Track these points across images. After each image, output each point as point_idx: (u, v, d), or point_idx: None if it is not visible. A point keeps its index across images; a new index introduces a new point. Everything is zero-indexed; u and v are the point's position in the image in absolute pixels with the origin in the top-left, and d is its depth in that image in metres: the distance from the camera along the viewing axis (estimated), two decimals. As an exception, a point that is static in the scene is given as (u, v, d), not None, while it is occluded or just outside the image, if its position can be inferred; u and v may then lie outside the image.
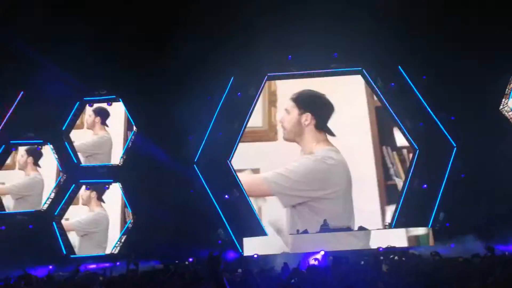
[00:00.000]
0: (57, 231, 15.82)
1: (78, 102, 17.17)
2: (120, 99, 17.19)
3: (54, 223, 15.89)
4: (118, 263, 14.51)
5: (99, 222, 16.24)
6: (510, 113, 15.95)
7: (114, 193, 16.50)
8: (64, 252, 15.66)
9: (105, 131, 17.20)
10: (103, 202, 16.50)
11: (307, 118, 16.54)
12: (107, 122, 17.31)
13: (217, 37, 16.18)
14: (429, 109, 16.10)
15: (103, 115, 17.29)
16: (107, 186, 16.46)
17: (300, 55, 16.86)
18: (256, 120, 16.95)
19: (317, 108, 16.79)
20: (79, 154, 16.78)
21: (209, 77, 16.51)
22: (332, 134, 16.51)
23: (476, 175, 14.67)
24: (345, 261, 7.00)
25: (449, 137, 15.76)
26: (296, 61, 17.11)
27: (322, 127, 16.55)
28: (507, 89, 16.23)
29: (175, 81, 16.06)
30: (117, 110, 17.31)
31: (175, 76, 16.11)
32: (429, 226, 14.71)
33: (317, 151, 16.19)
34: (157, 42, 15.94)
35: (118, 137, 17.13)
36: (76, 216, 16.39)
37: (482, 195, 14.30)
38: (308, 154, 16.22)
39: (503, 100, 16.12)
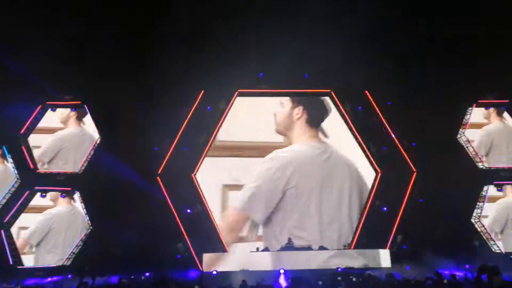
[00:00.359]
0: (4, 239, 14.97)
1: (40, 106, 16.54)
2: (84, 106, 16.71)
3: (2, 230, 15.04)
4: (69, 276, 13.91)
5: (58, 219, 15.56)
6: (466, 142, 16.75)
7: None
8: (11, 262, 14.80)
9: (80, 127, 16.67)
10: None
11: (299, 111, 16.91)
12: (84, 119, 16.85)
13: (189, 51, 16.16)
14: (392, 135, 16.62)
15: (80, 111, 16.87)
16: (64, 194, 15.81)
17: (271, 73, 17.07)
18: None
19: (311, 105, 17.22)
20: (44, 158, 16.11)
21: (179, 89, 16.39)
22: (325, 134, 16.79)
23: (434, 200, 15.16)
24: (305, 281, 7.00)
25: (409, 162, 16.28)
26: (267, 79, 17.31)
27: (314, 124, 16.88)
28: (464, 120, 17.10)
29: (144, 91, 15.84)
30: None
31: (145, 87, 15.89)
32: (387, 248, 14.99)
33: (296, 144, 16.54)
34: (128, 52, 15.75)
35: (80, 144, 16.59)
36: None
37: (438, 220, 14.77)
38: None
39: (460, 129, 16.95)
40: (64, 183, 15.88)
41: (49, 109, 16.78)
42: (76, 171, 16.01)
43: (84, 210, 15.65)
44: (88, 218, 15.58)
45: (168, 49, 15.47)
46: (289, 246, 14.74)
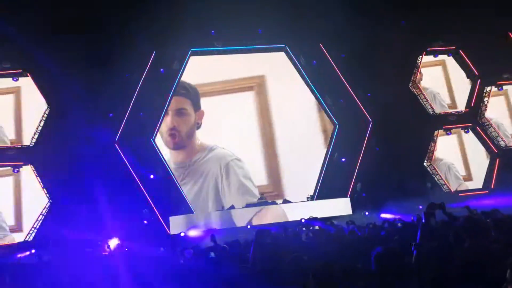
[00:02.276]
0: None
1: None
2: (28, 74, 15.63)
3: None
4: (33, 250, 13.59)
5: None
6: (417, 90, 17.38)
7: (27, 176, 15.21)
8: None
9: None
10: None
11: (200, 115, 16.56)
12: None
13: (138, 11, 15.30)
14: (348, 86, 16.91)
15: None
16: (16, 169, 15.08)
17: (224, 31, 16.61)
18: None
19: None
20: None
21: (130, 52, 15.65)
22: None
23: (389, 148, 15.84)
24: (267, 233, 7.18)
25: (365, 113, 16.75)
26: (220, 37, 16.84)
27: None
28: (415, 68, 17.64)
29: (94, 56, 14.95)
30: (27, 86, 15.74)
31: (93, 51, 14.99)
32: (348, 196, 15.69)
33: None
34: (74, 13, 14.62)
35: (29, 115, 15.65)
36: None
37: (394, 168, 15.51)
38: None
39: (412, 77, 17.51)
40: (15, 157, 15.09)
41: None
42: (27, 144, 15.22)
43: (41, 184, 15.07)
44: (46, 192, 15.04)
45: (116, 10, 14.55)
46: (259, 202, 15.09)
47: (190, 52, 16.69)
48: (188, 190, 15.79)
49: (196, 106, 16.71)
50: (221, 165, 16.07)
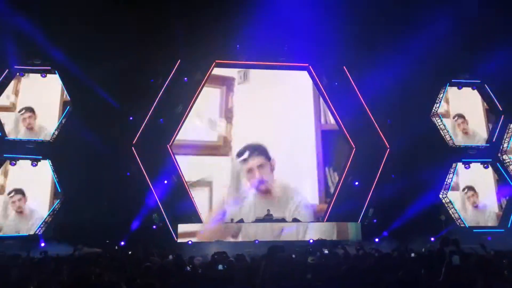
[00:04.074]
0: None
1: (6, 70, 15.77)
2: (56, 71, 16.05)
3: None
4: (43, 245, 13.77)
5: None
6: (438, 120, 17.18)
7: (43, 170, 15.48)
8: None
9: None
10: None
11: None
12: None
13: (166, 18, 15.63)
14: (368, 111, 16.84)
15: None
16: (35, 162, 15.37)
17: (249, 45, 16.80)
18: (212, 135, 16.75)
19: None
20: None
21: (156, 59, 15.99)
22: None
23: (405, 177, 15.61)
24: (280, 249, 7.12)
25: (384, 138, 16.61)
26: (244, 51, 17.04)
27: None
28: (437, 99, 17.47)
29: (119, 59, 15.27)
30: (52, 83, 16.15)
31: (119, 54, 15.33)
32: (359, 221, 15.48)
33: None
34: (102, 17, 15.03)
35: (51, 111, 16.01)
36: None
37: (408, 197, 15.26)
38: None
39: (434, 107, 17.33)
40: (34, 151, 15.41)
41: (18, 74, 16.03)
42: (47, 139, 15.54)
43: (56, 179, 15.32)
44: (59, 187, 15.28)
45: (146, 17, 14.92)
46: (268, 218, 15.01)
47: (214, 63, 16.90)
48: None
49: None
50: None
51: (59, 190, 15.28)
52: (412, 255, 7.64)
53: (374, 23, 15.98)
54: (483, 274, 3.41)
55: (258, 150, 16.57)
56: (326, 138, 17.10)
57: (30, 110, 15.78)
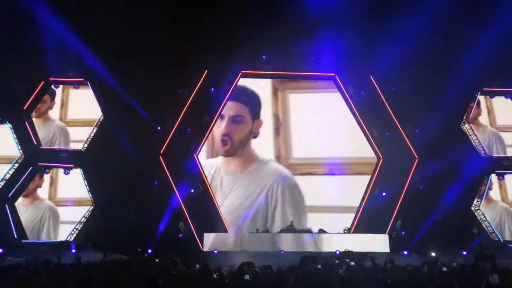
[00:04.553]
0: (9, 213, 15.14)
1: (42, 82, 16.46)
2: (88, 83, 16.64)
3: (6, 205, 15.19)
4: (73, 251, 14.16)
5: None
6: (469, 130, 16.69)
7: (75, 179, 15.98)
8: (16, 236, 15.01)
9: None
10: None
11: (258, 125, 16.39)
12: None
13: (193, 30, 15.97)
14: (395, 120, 16.57)
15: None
16: (67, 171, 15.90)
17: (275, 55, 16.90)
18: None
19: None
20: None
21: (183, 69, 16.31)
22: None
23: (435, 188, 15.21)
24: (311, 260, 7.08)
25: (412, 148, 16.26)
26: (270, 61, 17.15)
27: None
28: (468, 107, 17.00)
29: (150, 69, 15.69)
30: (84, 94, 16.73)
31: (150, 65, 15.74)
32: (386, 233, 15.15)
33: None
34: (131, 27, 15.51)
35: (83, 122, 16.56)
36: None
37: (438, 209, 14.84)
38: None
39: (464, 116, 16.86)
40: (67, 160, 15.95)
41: (52, 86, 16.70)
42: (79, 149, 16.06)
43: (87, 187, 15.77)
44: (90, 195, 15.72)
45: (174, 28, 15.29)
46: (291, 229, 14.92)
47: (240, 73, 17.08)
48: (233, 201, 15.83)
49: (255, 115, 16.62)
50: (283, 185, 15.95)
51: (90, 198, 15.72)
52: (444, 269, 7.41)
53: (402, 32, 15.77)
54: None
55: (248, 97, 16.04)
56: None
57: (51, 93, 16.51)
